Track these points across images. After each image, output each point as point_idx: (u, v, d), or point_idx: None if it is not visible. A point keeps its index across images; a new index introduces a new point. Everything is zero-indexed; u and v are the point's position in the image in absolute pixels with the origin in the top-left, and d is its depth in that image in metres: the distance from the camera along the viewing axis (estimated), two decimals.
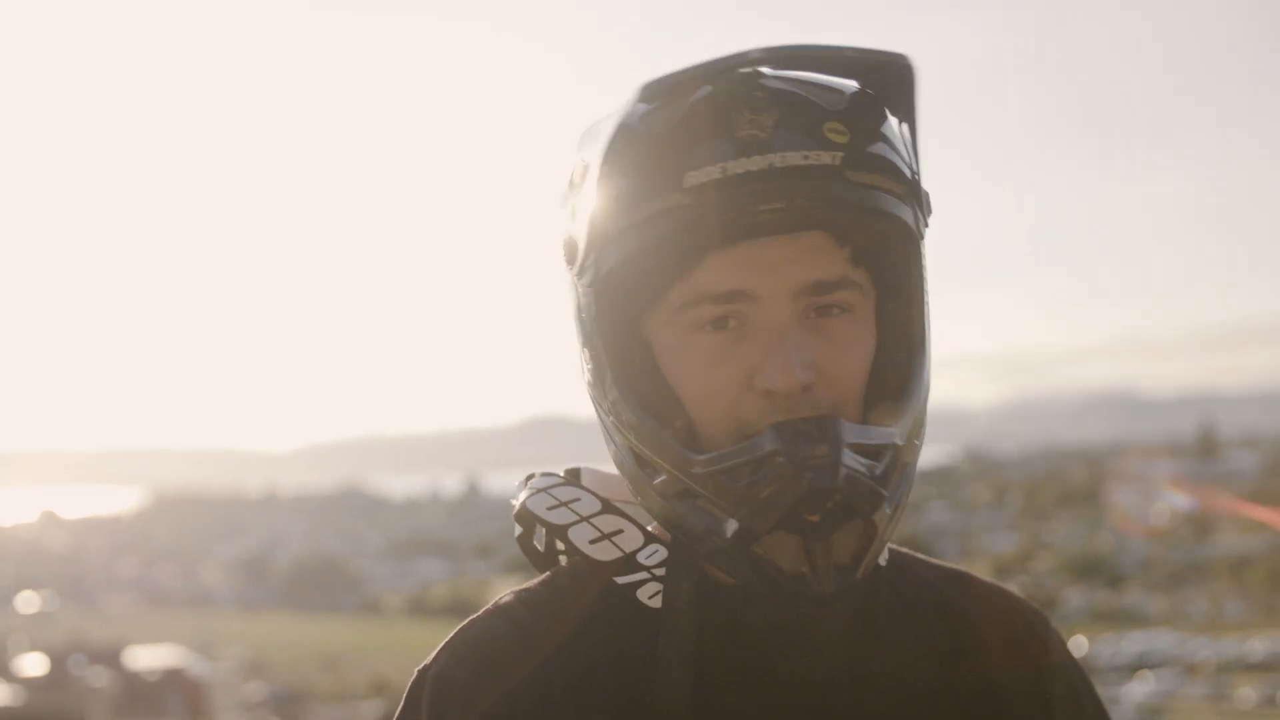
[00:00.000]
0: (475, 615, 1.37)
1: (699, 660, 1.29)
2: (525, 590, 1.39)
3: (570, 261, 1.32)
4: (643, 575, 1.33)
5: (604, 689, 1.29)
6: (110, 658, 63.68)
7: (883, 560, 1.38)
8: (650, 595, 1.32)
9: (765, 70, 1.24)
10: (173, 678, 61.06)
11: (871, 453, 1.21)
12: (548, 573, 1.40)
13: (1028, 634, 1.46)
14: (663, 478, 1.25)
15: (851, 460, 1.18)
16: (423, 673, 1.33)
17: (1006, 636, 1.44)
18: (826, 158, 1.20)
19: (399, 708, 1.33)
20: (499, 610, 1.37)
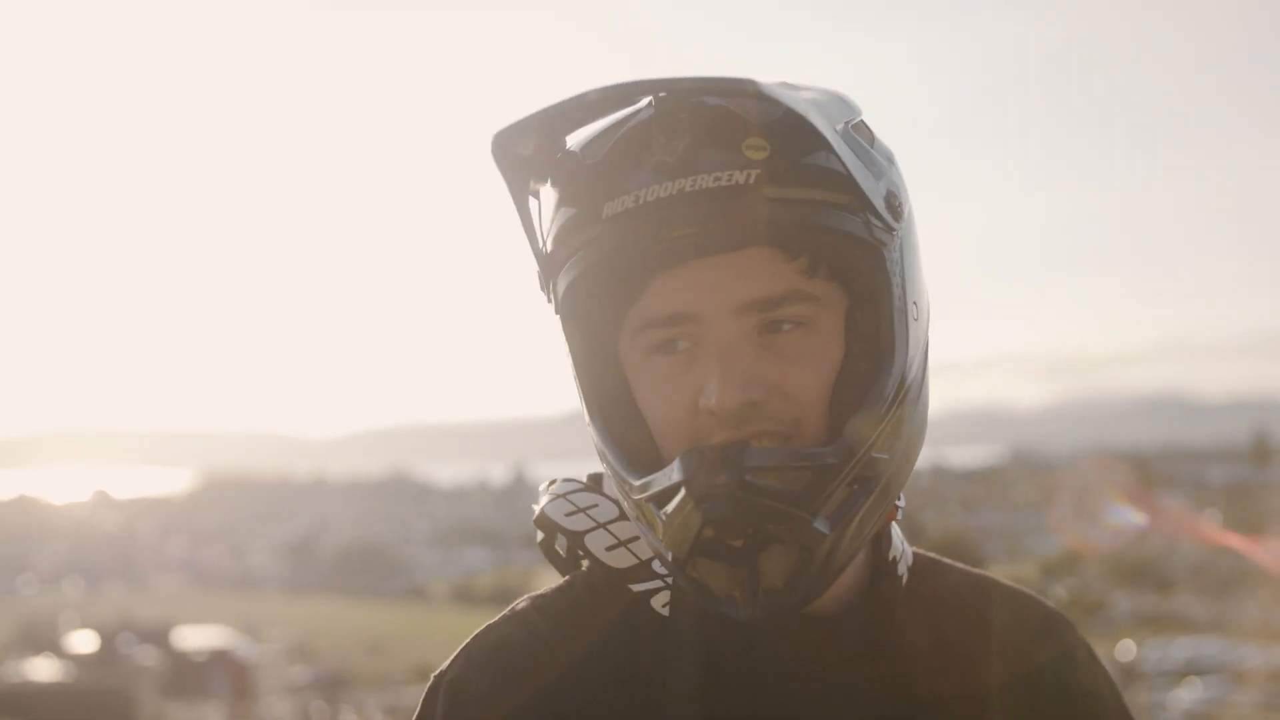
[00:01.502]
0: (492, 621, 1.37)
1: (709, 669, 1.29)
2: (541, 596, 1.40)
3: (542, 289, 1.34)
4: (657, 583, 1.33)
5: (617, 696, 1.29)
6: (159, 637, 64.34)
7: (903, 571, 1.38)
8: (663, 603, 1.33)
9: None
10: (219, 658, 61.59)
11: (789, 476, 1.19)
12: (565, 579, 1.41)
13: (1050, 639, 1.45)
14: (626, 501, 1.29)
15: (758, 483, 1.17)
16: (438, 678, 1.33)
17: (1028, 641, 1.43)
18: (739, 176, 1.18)
19: (415, 712, 1.34)
20: (515, 617, 1.37)
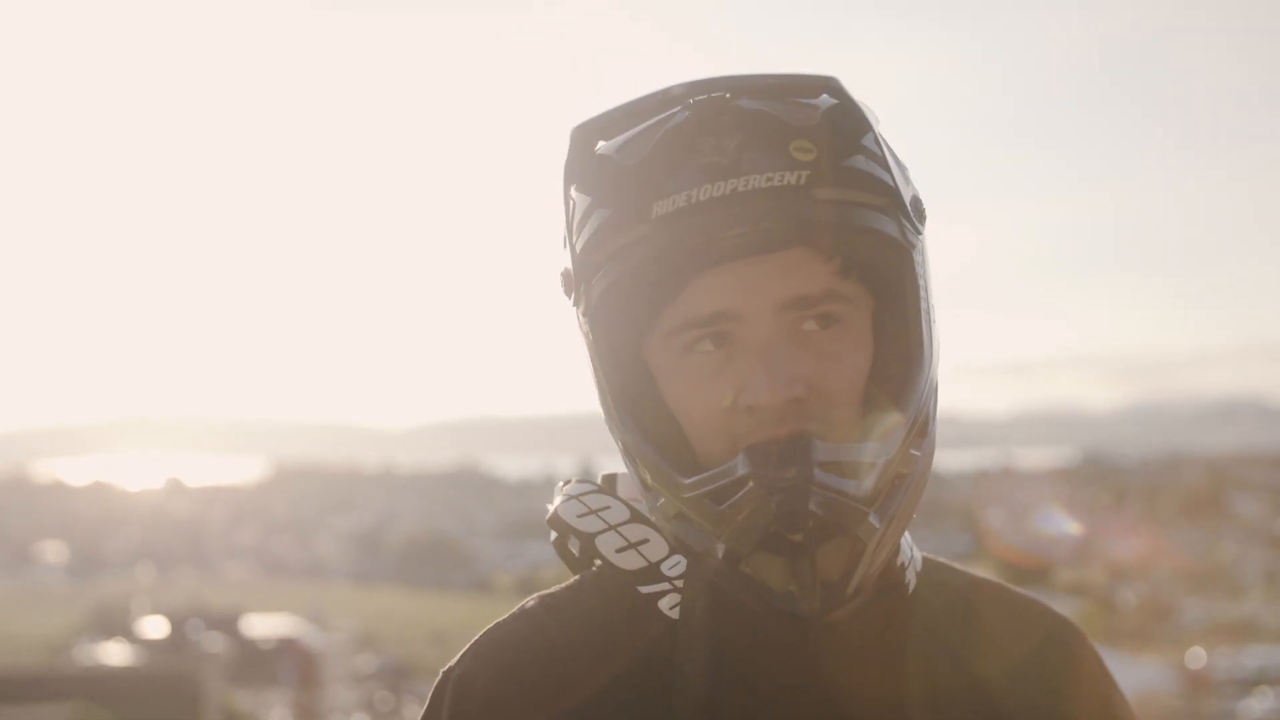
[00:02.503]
0: (500, 619, 1.39)
1: (718, 673, 1.30)
2: (550, 595, 1.41)
3: (567, 292, 1.35)
4: (665, 586, 1.34)
5: (623, 697, 1.30)
6: (227, 624, 65.09)
7: (911, 577, 1.39)
8: (671, 606, 1.33)
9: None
10: (286, 646, 62.21)
11: (850, 470, 1.21)
12: (575, 578, 1.42)
13: (1055, 646, 1.45)
14: (663, 500, 1.28)
15: (826, 479, 1.20)
16: (446, 674, 1.35)
17: (1032, 648, 1.43)
18: (790, 177, 1.21)
19: (424, 707, 1.35)
20: (523, 615, 1.38)
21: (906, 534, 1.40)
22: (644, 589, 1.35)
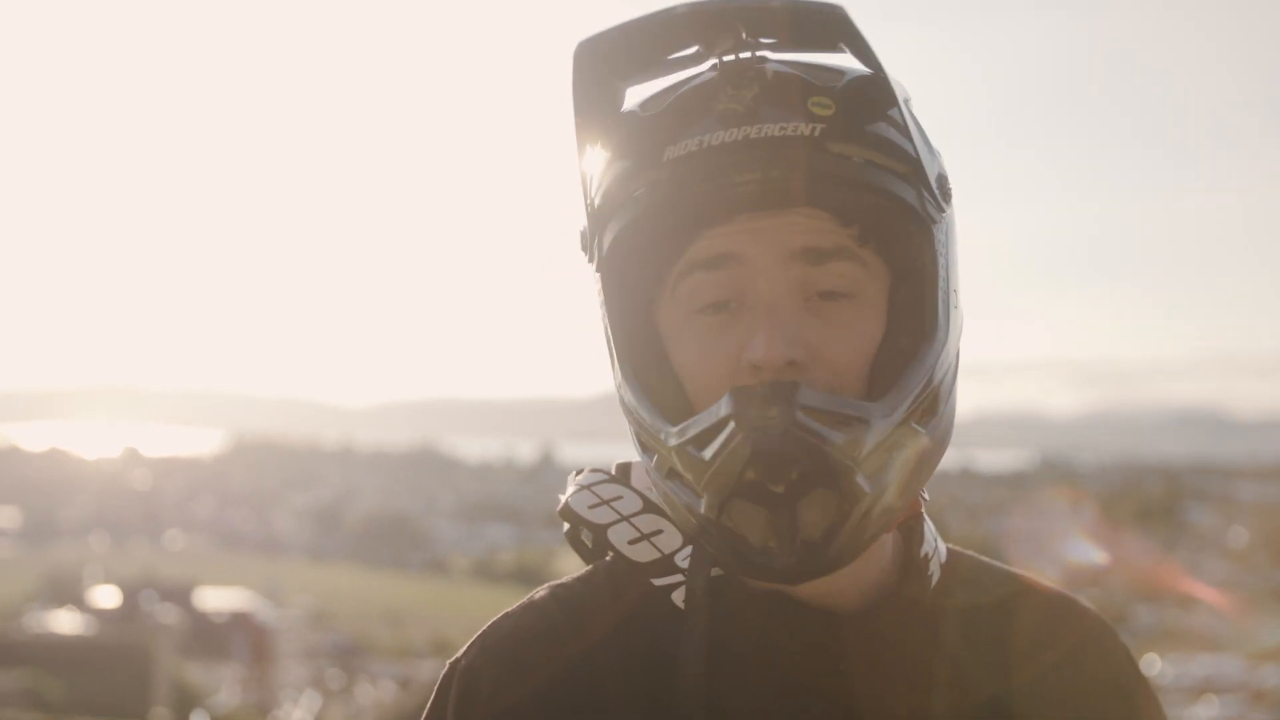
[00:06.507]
0: (509, 610, 1.35)
1: (724, 663, 1.26)
2: (561, 585, 1.38)
3: (584, 250, 1.33)
4: (678, 577, 1.31)
5: (629, 690, 1.27)
6: (180, 596, 64.88)
7: (935, 569, 1.35)
8: (683, 598, 1.30)
9: (769, 55, 1.23)
10: (239, 620, 62.05)
11: (837, 421, 1.15)
12: (587, 569, 1.39)
13: (1088, 642, 1.42)
14: (656, 458, 1.24)
15: (809, 423, 1.14)
16: (453, 666, 1.32)
17: (1064, 643, 1.40)
18: (805, 129, 1.19)
19: (430, 698, 1.33)
20: (532, 606, 1.35)
21: (930, 525, 1.36)
22: (657, 581, 1.32)
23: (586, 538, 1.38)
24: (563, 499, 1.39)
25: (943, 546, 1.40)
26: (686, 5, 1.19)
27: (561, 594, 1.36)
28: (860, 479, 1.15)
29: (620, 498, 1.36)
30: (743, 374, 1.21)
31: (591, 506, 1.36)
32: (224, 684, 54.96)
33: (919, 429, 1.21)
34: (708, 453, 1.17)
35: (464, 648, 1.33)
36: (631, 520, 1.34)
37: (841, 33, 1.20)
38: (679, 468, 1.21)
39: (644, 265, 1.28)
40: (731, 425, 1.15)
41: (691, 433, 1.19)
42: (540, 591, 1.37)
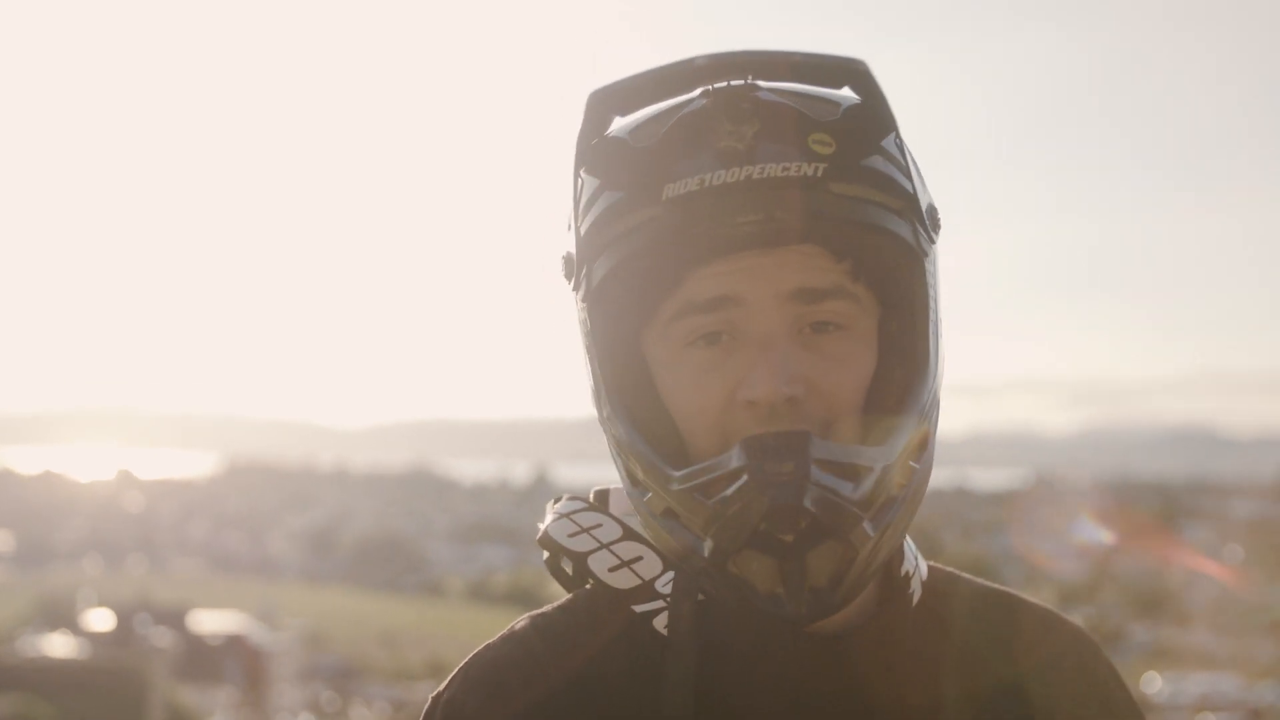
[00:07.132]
0: (490, 641, 1.35)
1: (709, 687, 1.25)
2: (542, 615, 1.37)
3: (568, 276, 1.32)
4: (659, 603, 1.30)
5: (613, 717, 1.27)
6: (175, 619, 64.71)
7: (916, 587, 1.36)
8: (665, 624, 1.29)
9: (760, 82, 1.22)
10: (234, 644, 61.90)
11: (847, 472, 1.17)
12: (567, 598, 1.39)
13: (1068, 653, 1.42)
14: (650, 495, 1.24)
15: (822, 478, 1.15)
16: (435, 699, 1.32)
17: (1047, 660, 1.39)
18: (808, 169, 1.19)
19: None
20: (512, 637, 1.35)
21: (911, 543, 1.37)
22: (638, 608, 1.31)
23: (567, 565, 1.37)
24: (542, 527, 1.39)
25: (923, 565, 1.40)
26: (706, 58, 1.19)
27: (542, 623, 1.35)
28: (866, 525, 1.17)
29: (600, 525, 1.35)
30: (738, 410, 1.21)
31: (571, 535, 1.35)
32: (218, 707, 54.87)
33: (915, 465, 1.23)
34: (717, 501, 1.17)
35: (445, 681, 1.33)
36: (611, 548, 1.33)
37: (863, 88, 1.21)
38: (678, 509, 1.21)
39: (634, 300, 1.27)
40: (745, 479, 1.15)
41: (700, 480, 1.19)
42: (520, 622, 1.37)
